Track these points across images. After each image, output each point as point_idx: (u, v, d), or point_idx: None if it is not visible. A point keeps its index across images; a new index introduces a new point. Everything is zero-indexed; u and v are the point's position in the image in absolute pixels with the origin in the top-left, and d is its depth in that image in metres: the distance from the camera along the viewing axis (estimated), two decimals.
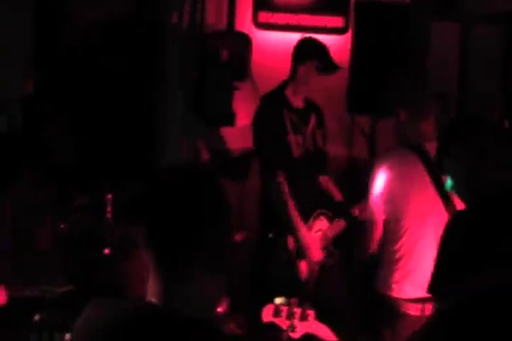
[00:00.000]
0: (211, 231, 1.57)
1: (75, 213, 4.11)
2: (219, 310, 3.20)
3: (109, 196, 3.99)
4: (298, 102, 4.38)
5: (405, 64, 5.20)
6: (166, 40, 5.70)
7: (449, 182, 2.70)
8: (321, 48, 4.32)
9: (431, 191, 3.41)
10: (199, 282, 1.57)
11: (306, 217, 4.28)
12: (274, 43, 5.62)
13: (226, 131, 5.62)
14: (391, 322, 3.42)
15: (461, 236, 2.53)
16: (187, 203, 1.57)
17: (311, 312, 2.59)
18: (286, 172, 4.21)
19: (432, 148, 3.39)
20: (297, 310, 2.59)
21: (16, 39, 5.22)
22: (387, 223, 3.52)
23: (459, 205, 3.18)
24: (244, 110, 5.29)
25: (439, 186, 3.37)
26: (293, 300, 2.60)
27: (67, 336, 2.95)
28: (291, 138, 4.30)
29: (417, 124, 3.52)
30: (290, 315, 2.58)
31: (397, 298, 3.41)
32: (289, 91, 4.36)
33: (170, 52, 5.70)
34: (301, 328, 2.58)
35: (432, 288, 2.61)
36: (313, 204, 4.34)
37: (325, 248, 4.26)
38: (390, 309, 3.43)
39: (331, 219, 4.32)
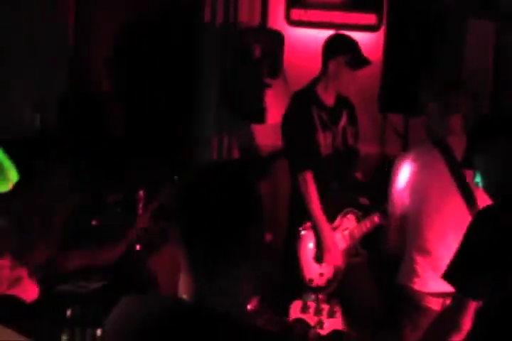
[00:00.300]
0: (244, 228, 1.58)
1: (107, 210, 4.15)
2: (249, 307, 3.21)
3: (141, 193, 4.02)
4: (329, 99, 4.37)
5: (439, 62, 5.17)
6: (200, 38, 5.72)
7: (477, 178, 2.68)
8: (351, 43, 4.32)
9: (451, 186, 3.41)
10: (231, 279, 1.58)
11: (334, 216, 4.28)
12: (307, 41, 5.61)
13: (257, 129, 5.63)
14: (412, 315, 3.44)
15: (486, 232, 2.53)
16: (219, 202, 1.58)
17: (338, 309, 2.59)
18: (313, 171, 4.20)
19: (456, 142, 3.38)
20: (325, 307, 2.59)
21: (54, 39, 5.26)
22: (409, 217, 3.53)
23: (482, 201, 3.16)
24: (275, 108, 5.29)
25: (460, 182, 3.38)
26: (321, 296, 2.60)
27: (99, 332, 2.97)
28: (320, 136, 4.29)
29: (445, 118, 3.53)
30: (318, 312, 2.58)
31: (419, 291, 3.42)
32: (319, 89, 4.35)
33: (203, 50, 5.72)
34: (328, 325, 2.58)
35: (447, 276, 2.62)
36: (342, 203, 4.34)
37: (352, 247, 4.26)
38: (411, 302, 3.45)
39: (359, 218, 4.31)
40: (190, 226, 1.58)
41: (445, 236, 3.38)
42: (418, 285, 3.45)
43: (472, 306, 2.57)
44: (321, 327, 2.59)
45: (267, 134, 5.51)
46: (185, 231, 1.59)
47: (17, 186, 2.95)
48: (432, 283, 3.38)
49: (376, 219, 4.20)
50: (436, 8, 5.25)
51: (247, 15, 5.69)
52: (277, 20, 5.67)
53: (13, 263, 2.95)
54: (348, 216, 4.34)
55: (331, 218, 4.26)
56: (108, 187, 4.34)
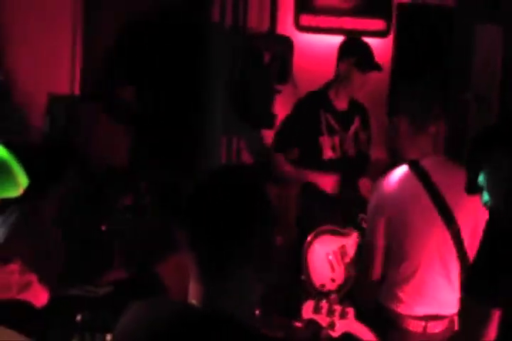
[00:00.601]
0: (245, 230, 1.59)
1: (116, 214, 4.15)
2: (257, 312, 3.20)
3: (150, 197, 4.03)
4: (341, 104, 4.38)
5: (447, 67, 5.17)
6: (209, 39, 5.72)
7: (485, 197, 2.52)
8: (360, 45, 4.33)
9: (429, 210, 3.15)
10: (235, 281, 1.58)
11: (343, 223, 4.24)
12: (316, 46, 5.62)
13: (266, 133, 5.63)
14: (395, 338, 3.24)
15: (488, 243, 2.52)
16: (229, 205, 1.59)
17: (350, 310, 2.56)
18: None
19: (429, 165, 3.18)
20: (337, 308, 2.56)
21: (62, 39, 5.27)
22: (388, 244, 3.26)
23: (464, 225, 3.11)
24: (284, 113, 5.29)
25: (440, 205, 3.13)
26: (333, 297, 2.57)
27: (109, 336, 2.97)
28: (324, 139, 4.29)
29: (416, 137, 3.22)
30: (330, 313, 2.54)
31: (402, 314, 3.22)
32: (332, 93, 4.36)
33: (212, 54, 5.73)
34: (340, 326, 2.55)
35: (464, 287, 2.62)
36: (350, 209, 4.32)
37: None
38: (394, 324, 3.23)
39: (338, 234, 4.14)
40: (198, 231, 1.59)
41: (428, 260, 3.18)
42: (402, 308, 3.22)
43: (495, 316, 2.52)
44: (333, 329, 2.56)
45: None
46: (193, 236, 1.59)
47: (27, 190, 2.96)
48: (416, 306, 3.20)
49: None
50: (444, 13, 5.26)
51: (256, 20, 5.70)
52: (286, 25, 5.68)
53: (22, 268, 2.95)
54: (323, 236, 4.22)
55: (339, 225, 4.23)
56: (110, 187, 4.34)
